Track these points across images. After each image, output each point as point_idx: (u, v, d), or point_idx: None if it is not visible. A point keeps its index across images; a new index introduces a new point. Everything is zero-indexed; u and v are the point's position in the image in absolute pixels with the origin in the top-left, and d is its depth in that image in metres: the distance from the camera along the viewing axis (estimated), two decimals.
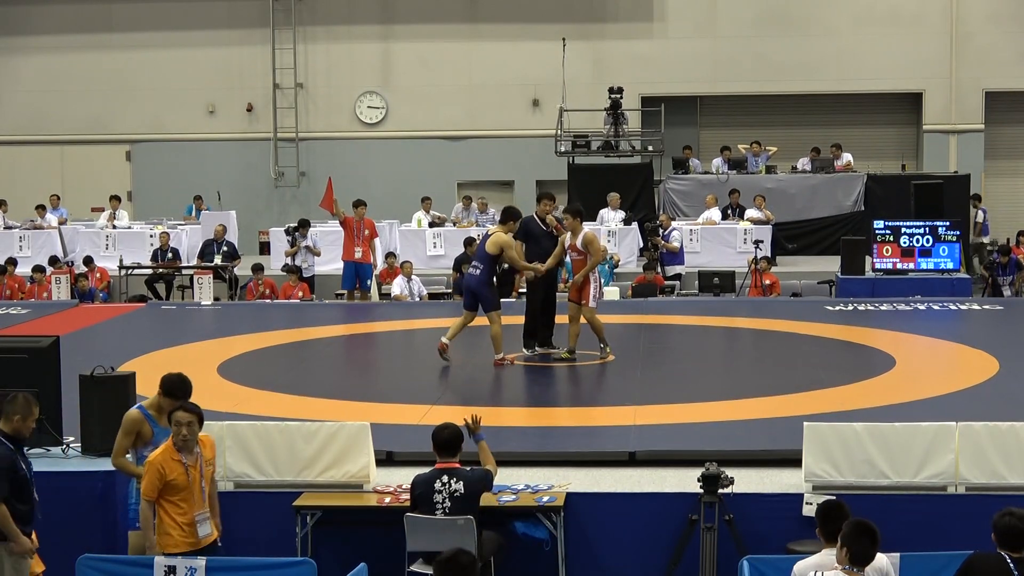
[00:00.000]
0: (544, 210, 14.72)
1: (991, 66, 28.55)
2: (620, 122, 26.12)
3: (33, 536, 8.12)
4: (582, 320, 14.35)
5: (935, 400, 12.26)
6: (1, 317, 18.42)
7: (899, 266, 20.41)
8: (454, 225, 25.05)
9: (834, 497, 8.19)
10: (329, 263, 23.03)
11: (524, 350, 14.60)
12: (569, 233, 14.34)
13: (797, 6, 28.95)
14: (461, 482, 8.68)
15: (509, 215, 14.45)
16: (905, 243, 20.38)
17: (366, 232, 20.87)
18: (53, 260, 23.59)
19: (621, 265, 23.14)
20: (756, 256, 21.26)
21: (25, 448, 8.23)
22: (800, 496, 9.23)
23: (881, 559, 7.14)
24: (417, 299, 20.79)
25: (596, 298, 14.33)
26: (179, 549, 8.03)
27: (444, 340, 14.41)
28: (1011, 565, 6.79)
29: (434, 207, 25.74)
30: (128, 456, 8.74)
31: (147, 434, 8.64)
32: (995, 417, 9.88)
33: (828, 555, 7.13)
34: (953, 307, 18.56)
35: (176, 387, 8.62)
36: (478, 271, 14.36)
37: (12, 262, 22.95)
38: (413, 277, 21.13)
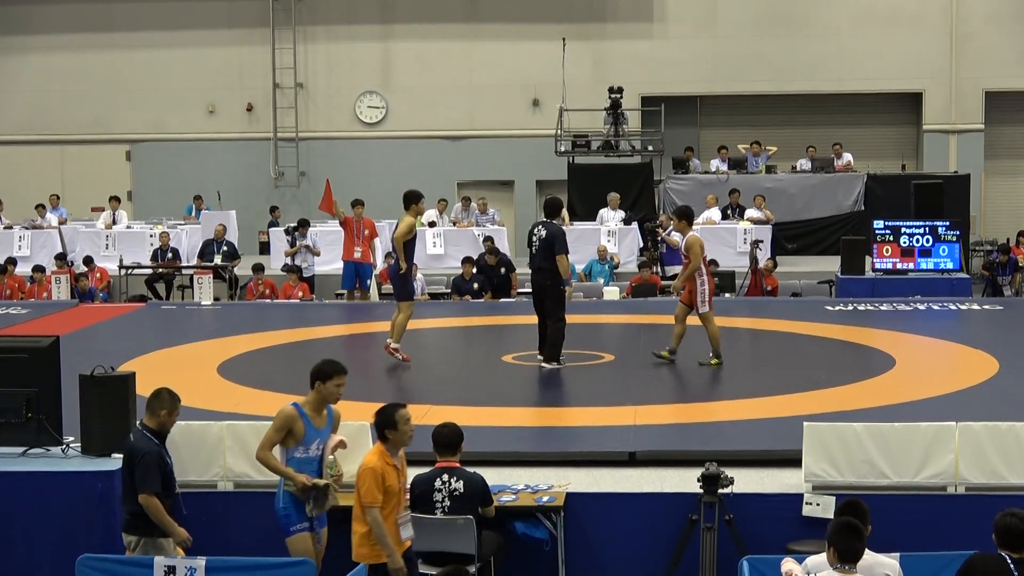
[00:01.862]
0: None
1: (991, 66, 28.55)
2: (620, 122, 26.14)
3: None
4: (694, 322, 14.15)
5: (935, 400, 12.25)
6: (1, 317, 18.42)
7: (899, 266, 20.41)
8: (454, 225, 25.05)
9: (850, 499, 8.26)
10: (329, 263, 23.03)
11: (550, 364, 14.00)
12: (677, 235, 14.27)
13: (797, 6, 28.95)
14: (461, 481, 8.68)
15: (410, 198, 14.25)
16: (905, 243, 20.38)
17: (366, 232, 20.87)
18: (60, 257, 23.61)
19: (622, 265, 23.15)
20: (756, 257, 21.24)
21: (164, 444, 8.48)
22: (800, 496, 9.23)
23: (887, 561, 7.16)
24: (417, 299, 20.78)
25: (705, 301, 14.04)
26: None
27: (391, 343, 14.43)
28: (1011, 566, 6.79)
29: (434, 207, 25.70)
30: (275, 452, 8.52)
31: (299, 432, 8.41)
32: (995, 417, 9.88)
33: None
34: (953, 307, 18.56)
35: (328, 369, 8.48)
36: (395, 261, 14.50)
37: (12, 262, 22.95)
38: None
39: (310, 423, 8.45)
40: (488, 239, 22.59)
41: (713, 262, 19.42)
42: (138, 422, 8.62)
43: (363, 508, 8.00)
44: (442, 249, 24.06)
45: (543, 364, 14.02)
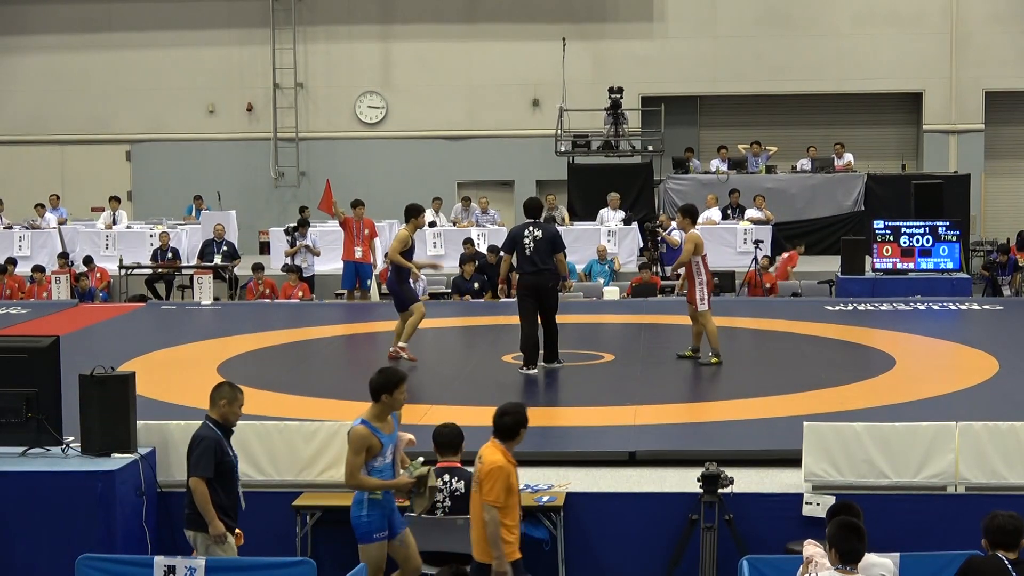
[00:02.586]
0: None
1: (991, 66, 28.55)
2: (620, 122, 26.14)
3: (237, 533, 8.35)
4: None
5: (935, 400, 12.25)
6: (1, 317, 18.42)
7: (899, 266, 20.40)
8: (454, 225, 25.04)
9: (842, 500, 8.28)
10: (329, 263, 23.03)
11: (527, 369, 13.84)
12: (677, 233, 14.28)
13: (797, 6, 28.95)
14: (462, 481, 8.69)
15: (411, 212, 14.46)
16: (905, 243, 20.38)
17: (366, 232, 20.87)
18: (63, 256, 23.62)
19: (622, 265, 23.14)
20: (757, 257, 21.27)
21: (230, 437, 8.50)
22: (800, 496, 9.24)
23: (882, 561, 7.16)
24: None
25: (704, 299, 14.09)
26: (517, 556, 7.89)
27: (395, 349, 14.49)
28: (1008, 566, 6.80)
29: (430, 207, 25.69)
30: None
31: (376, 447, 8.36)
32: (995, 417, 9.89)
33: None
34: (953, 307, 18.55)
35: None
36: (391, 272, 14.53)
37: (12, 262, 22.96)
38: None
39: (381, 434, 8.41)
40: (467, 241, 22.51)
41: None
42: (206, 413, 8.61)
43: (483, 507, 7.87)
44: (442, 249, 24.05)
45: (549, 366, 14.03)
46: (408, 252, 14.37)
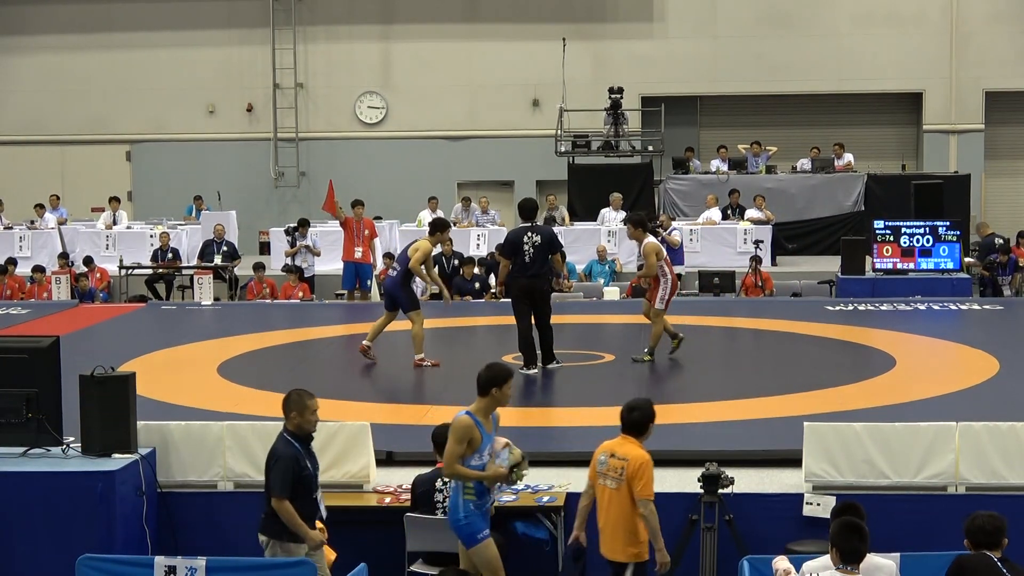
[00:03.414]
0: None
1: (991, 66, 28.55)
2: (620, 122, 26.13)
3: (319, 526, 8.25)
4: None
5: (935, 400, 12.25)
6: (1, 317, 18.42)
7: (899, 266, 20.41)
8: (454, 225, 25.01)
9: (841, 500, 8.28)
10: (329, 263, 23.02)
11: (526, 369, 13.81)
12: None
13: (797, 6, 28.95)
14: None
15: (436, 226, 14.64)
16: (905, 243, 20.38)
17: (366, 232, 20.87)
18: (63, 256, 23.61)
19: (623, 266, 23.13)
20: (757, 256, 21.31)
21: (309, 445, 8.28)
22: (800, 496, 9.23)
23: (883, 563, 7.16)
24: None
25: (664, 299, 14.19)
26: (646, 557, 7.92)
27: (365, 343, 14.52)
28: (999, 564, 6.82)
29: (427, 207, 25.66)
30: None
31: (477, 440, 8.24)
32: (995, 417, 9.88)
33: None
34: (953, 307, 18.56)
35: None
36: (395, 273, 14.49)
37: (12, 262, 22.95)
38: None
39: (483, 429, 8.29)
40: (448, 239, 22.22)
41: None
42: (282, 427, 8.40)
43: (636, 502, 7.90)
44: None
45: (546, 367, 14.01)
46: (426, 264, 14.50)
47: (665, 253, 14.62)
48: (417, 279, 14.90)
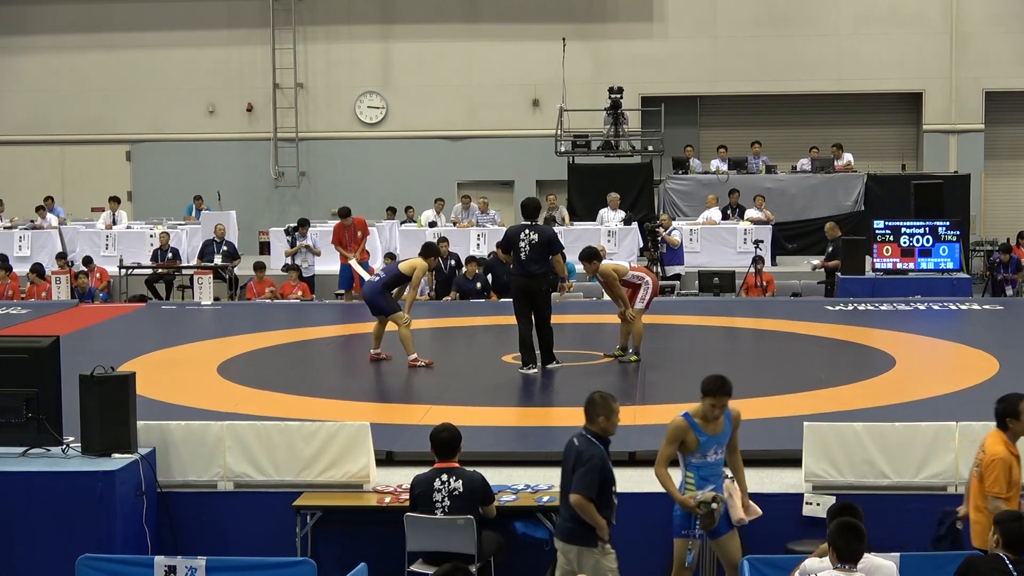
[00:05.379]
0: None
1: (991, 66, 28.55)
2: (620, 122, 26.12)
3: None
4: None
5: (935, 400, 12.25)
6: (1, 317, 18.42)
7: (899, 266, 20.41)
8: (454, 225, 25.03)
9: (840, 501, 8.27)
10: (329, 263, 23.00)
11: (526, 368, 13.84)
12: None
13: (797, 6, 28.95)
14: (460, 481, 8.68)
15: (430, 251, 14.79)
16: (905, 243, 20.38)
17: (358, 234, 20.79)
18: (61, 256, 23.61)
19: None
20: (760, 256, 21.32)
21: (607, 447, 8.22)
22: (800, 496, 9.24)
23: (883, 563, 7.16)
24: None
25: (644, 300, 14.16)
26: None
27: (372, 352, 14.61)
28: (1010, 566, 6.80)
29: (432, 207, 25.66)
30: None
31: (692, 442, 8.39)
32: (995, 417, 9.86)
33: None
34: (953, 307, 18.56)
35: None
36: (377, 280, 14.54)
37: (11, 262, 22.93)
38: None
39: (700, 431, 8.43)
40: (443, 240, 22.24)
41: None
42: (582, 427, 8.31)
43: (985, 497, 7.90)
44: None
45: (548, 366, 14.00)
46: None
47: (627, 267, 14.61)
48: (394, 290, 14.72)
